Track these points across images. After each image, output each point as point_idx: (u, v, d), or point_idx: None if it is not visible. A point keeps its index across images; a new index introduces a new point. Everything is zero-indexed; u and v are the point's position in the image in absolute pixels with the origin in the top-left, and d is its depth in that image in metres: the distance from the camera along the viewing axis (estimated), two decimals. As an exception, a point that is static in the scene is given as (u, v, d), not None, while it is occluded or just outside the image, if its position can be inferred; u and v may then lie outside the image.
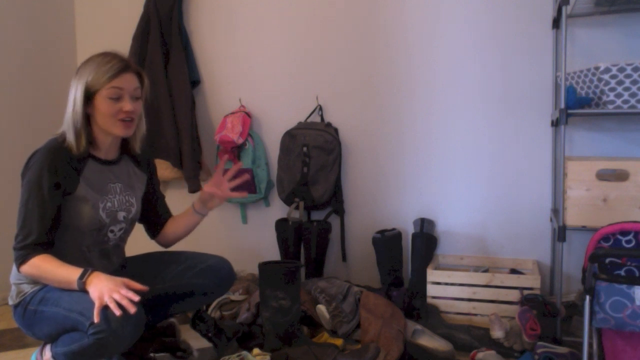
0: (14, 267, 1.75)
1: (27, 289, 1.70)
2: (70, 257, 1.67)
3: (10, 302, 1.74)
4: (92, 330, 1.50)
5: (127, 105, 1.68)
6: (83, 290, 1.56)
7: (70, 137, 1.67)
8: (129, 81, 1.69)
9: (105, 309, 1.50)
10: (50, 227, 1.64)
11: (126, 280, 1.56)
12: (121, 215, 1.80)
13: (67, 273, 1.59)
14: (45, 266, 1.60)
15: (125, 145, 1.85)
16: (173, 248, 2.01)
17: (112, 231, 1.79)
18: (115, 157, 1.82)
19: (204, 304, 2.09)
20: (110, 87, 1.65)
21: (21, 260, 1.62)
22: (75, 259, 1.70)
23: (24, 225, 1.62)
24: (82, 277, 1.56)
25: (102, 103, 1.66)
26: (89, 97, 1.67)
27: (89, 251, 1.76)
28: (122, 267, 1.92)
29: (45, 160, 1.62)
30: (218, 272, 1.91)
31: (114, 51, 1.73)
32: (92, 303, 1.53)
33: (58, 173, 1.63)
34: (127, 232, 1.86)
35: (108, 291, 1.50)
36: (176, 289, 1.88)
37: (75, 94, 1.67)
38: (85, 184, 1.70)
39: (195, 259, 1.91)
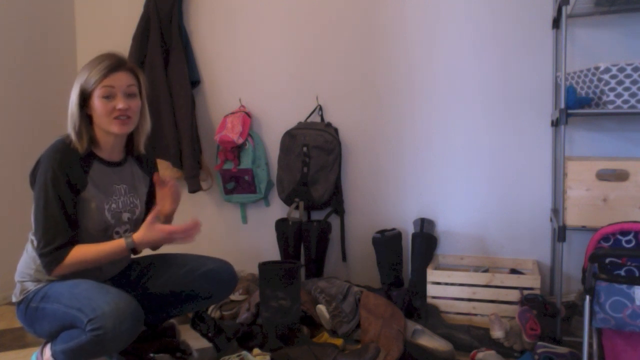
0: (20, 265, 1.76)
1: (31, 286, 1.71)
2: None
3: (14, 300, 1.75)
4: (89, 327, 1.51)
5: (120, 102, 1.68)
6: (133, 248, 1.68)
7: (74, 138, 1.70)
8: (120, 79, 1.70)
9: (104, 305, 1.51)
10: (73, 225, 1.66)
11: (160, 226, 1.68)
12: (125, 216, 1.81)
13: (109, 246, 1.68)
14: (84, 253, 1.65)
15: (129, 146, 1.86)
16: (174, 249, 2.00)
17: (117, 232, 1.79)
18: (120, 159, 1.83)
19: (205, 306, 2.09)
20: (102, 86, 1.67)
21: (56, 263, 1.63)
22: None
23: (47, 230, 1.63)
24: (127, 238, 1.68)
25: (96, 103, 1.68)
26: (85, 98, 1.70)
27: None
28: (127, 268, 1.93)
29: (55, 160, 1.64)
30: (220, 277, 1.91)
31: (111, 51, 1.75)
32: (91, 299, 1.54)
33: (69, 171, 1.65)
34: (131, 233, 1.86)
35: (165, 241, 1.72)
36: (177, 292, 1.88)
37: (72, 96, 1.70)
38: (92, 185, 1.71)
39: (198, 262, 1.91)
